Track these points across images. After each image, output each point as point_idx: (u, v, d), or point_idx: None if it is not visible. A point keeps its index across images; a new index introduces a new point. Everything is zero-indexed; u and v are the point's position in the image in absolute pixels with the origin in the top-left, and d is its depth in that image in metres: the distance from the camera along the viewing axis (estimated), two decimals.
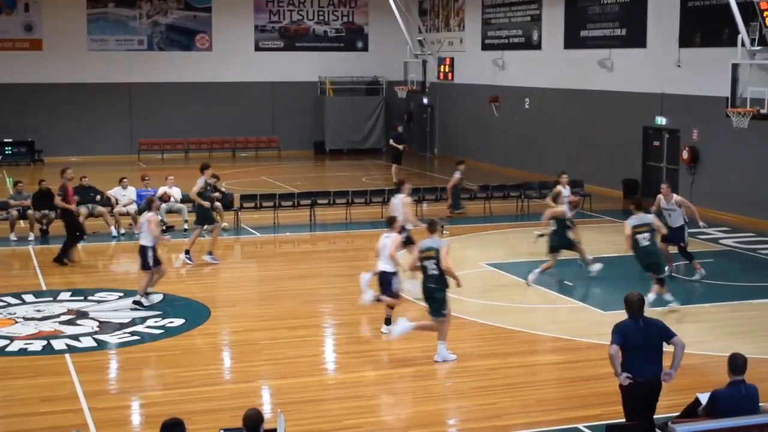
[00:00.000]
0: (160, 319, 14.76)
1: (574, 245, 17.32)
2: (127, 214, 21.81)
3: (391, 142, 31.27)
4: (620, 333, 8.92)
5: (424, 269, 12.54)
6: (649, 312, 9.47)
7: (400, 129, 31.91)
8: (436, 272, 12.42)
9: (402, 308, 14.34)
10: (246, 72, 38.90)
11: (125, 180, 22.41)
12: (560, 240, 17.04)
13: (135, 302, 15.38)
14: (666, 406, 9.84)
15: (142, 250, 15.57)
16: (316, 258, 20.13)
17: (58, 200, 19.15)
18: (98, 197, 21.83)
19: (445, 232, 21.18)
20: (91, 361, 12.78)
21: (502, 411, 10.97)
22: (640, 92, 26.62)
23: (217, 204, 22.29)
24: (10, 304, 15.59)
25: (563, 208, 17.20)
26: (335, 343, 14.12)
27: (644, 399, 8.95)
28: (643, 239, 15.00)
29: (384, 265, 13.76)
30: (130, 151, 37.27)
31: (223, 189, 23.49)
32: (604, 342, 9.09)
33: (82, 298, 16.05)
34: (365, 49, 40.67)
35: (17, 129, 35.81)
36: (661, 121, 26.02)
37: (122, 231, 21.64)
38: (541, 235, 18.13)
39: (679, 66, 25.05)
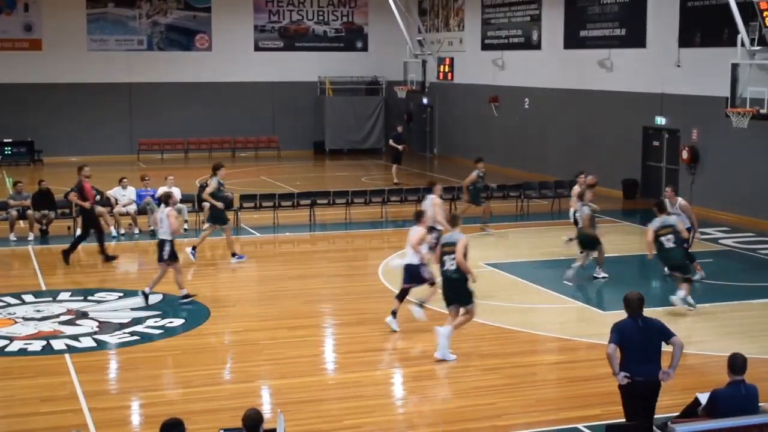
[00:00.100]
0: (159, 319, 14.76)
1: (599, 244, 17.34)
2: (127, 214, 21.81)
3: (391, 142, 31.27)
4: (618, 332, 8.93)
5: (443, 263, 12.80)
6: (653, 312, 9.46)
7: (399, 129, 31.92)
8: (453, 266, 12.63)
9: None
10: (246, 72, 38.90)
11: (125, 180, 22.41)
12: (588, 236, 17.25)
13: (144, 293, 15.58)
14: (666, 406, 9.84)
15: (161, 243, 15.68)
16: (315, 258, 20.13)
17: (72, 195, 19.13)
18: (98, 197, 21.79)
19: (491, 232, 21.31)
20: (90, 361, 12.78)
21: (502, 411, 10.97)
22: (640, 92, 26.63)
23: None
24: (9, 305, 15.58)
25: (587, 212, 17.39)
26: (335, 343, 14.12)
27: (643, 399, 8.95)
28: (667, 241, 15.10)
29: (410, 258, 13.99)
30: (129, 151, 37.27)
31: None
32: (604, 342, 9.08)
33: (81, 298, 16.05)
34: (365, 49, 40.67)
35: (17, 129, 35.81)
36: (660, 121, 26.03)
37: (122, 231, 21.63)
38: (571, 240, 18.27)
39: (678, 66, 25.05)
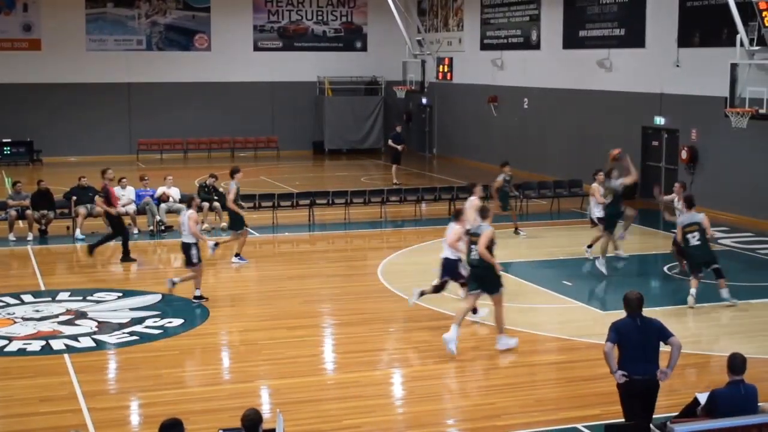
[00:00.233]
0: (158, 319, 14.75)
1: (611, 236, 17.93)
2: (126, 214, 21.76)
3: (390, 142, 31.28)
4: (616, 331, 8.96)
5: (469, 252, 13.21)
6: (653, 312, 9.46)
7: (398, 129, 31.91)
8: (477, 256, 12.99)
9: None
10: (245, 72, 38.90)
11: (124, 180, 22.38)
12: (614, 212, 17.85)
13: (196, 297, 15.72)
14: (665, 406, 9.85)
15: (186, 247, 15.72)
16: (314, 258, 20.13)
17: (99, 201, 19.13)
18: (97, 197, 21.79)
19: (522, 233, 21.24)
20: (90, 362, 12.77)
21: (501, 411, 10.97)
22: (639, 92, 26.63)
23: (216, 204, 22.32)
24: (8, 305, 15.57)
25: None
26: (334, 343, 14.12)
27: (642, 398, 8.96)
28: (693, 238, 15.35)
29: (447, 253, 14.23)
30: (129, 151, 37.26)
31: (221, 189, 23.45)
32: (604, 342, 9.09)
33: (80, 298, 16.04)
34: (364, 49, 40.67)
35: (16, 129, 35.80)
36: (659, 121, 26.03)
37: None
38: (590, 246, 18.71)
39: (677, 66, 25.06)
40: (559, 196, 25.32)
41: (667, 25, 25.39)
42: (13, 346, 13.35)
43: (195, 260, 15.74)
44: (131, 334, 14.00)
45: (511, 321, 14.50)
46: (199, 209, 16.47)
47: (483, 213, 13.59)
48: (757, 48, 21.74)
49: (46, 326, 14.31)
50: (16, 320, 14.66)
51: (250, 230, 22.27)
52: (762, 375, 11.59)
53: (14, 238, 20.89)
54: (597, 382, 11.56)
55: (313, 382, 12.06)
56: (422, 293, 14.66)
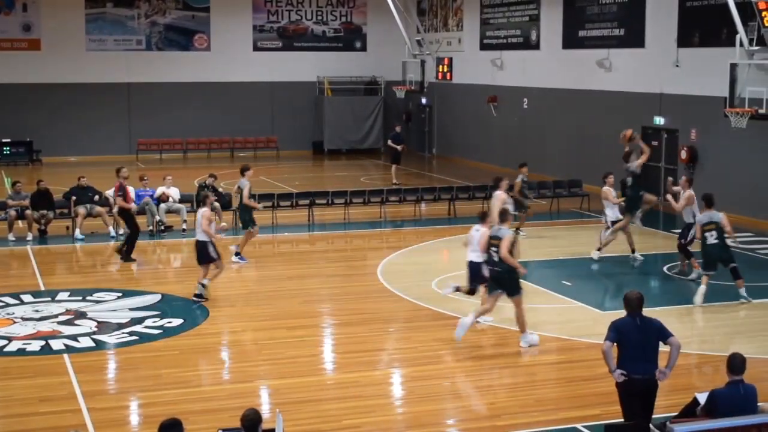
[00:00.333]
0: (158, 319, 14.75)
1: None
2: None
3: (390, 142, 31.28)
4: (615, 330, 8.99)
5: (489, 255, 13.31)
6: (653, 312, 9.45)
7: (398, 129, 31.91)
8: (496, 258, 13.11)
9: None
10: (244, 72, 38.89)
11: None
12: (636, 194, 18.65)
13: (196, 295, 15.77)
14: (664, 406, 9.86)
15: (201, 245, 15.76)
16: (314, 258, 20.12)
17: (120, 201, 19.15)
18: (96, 197, 21.81)
19: (522, 232, 21.04)
20: (89, 362, 12.77)
21: (501, 411, 10.98)
22: (639, 92, 26.63)
23: (216, 204, 22.28)
24: (8, 305, 15.57)
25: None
26: (334, 343, 14.12)
27: (641, 397, 8.97)
28: (711, 237, 15.51)
29: (473, 255, 14.18)
30: (128, 151, 37.25)
31: (220, 189, 23.47)
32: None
33: (80, 298, 16.03)
34: (364, 49, 40.66)
35: (15, 129, 35.78)
36: (659, 120, 26.03)
37: (121, 231, 21.57)
38: (600, 249, 18.78)
39: (677, 66, 25.06)
40: (558, 196, 25.32)
41: (667, 25, 25.39)
42: (13, 346, 13.35)
43: (214, 255, 15.82)
44: (131, 334, 14.00)
45: (511, 321, 14.50)
46: (212, 208, 16.52)
47: (502, 216, 13.63)
48: (756, 48, 21.74)
49: (45, 326, 14.30)
50: (15, 320, 14.66)
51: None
52: (762, 375, 11.59)
53: (14, 238, 20.88)
54: (597, 382, 11.56)
55: (313, 382, 12.05)
56: (457, 289, 14.60)
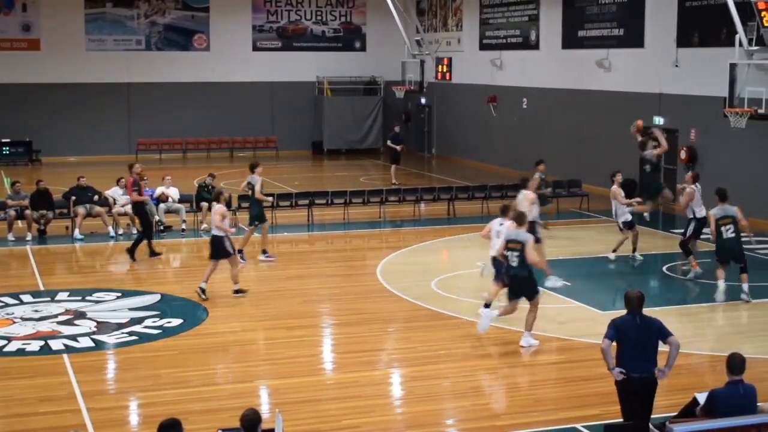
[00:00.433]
0: (158, 319, 14.75)
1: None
2: (125, 214, 21.77)
3: (389, 143, 31.28)
4: (615, 328, 9.00)
5: (506, 258, 13.26)
6: (652, 312, 9.45)
7: (397, 129, 31.90)
8: (515, 263, 13.08)
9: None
10: (244, 72, 38.88)
11: (123, 180, 22.35)
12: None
13: (236, 291, 16.00)
14: (664, 406, 9.86)
15: (218, 240, 15.82)
16: (314, 258, 20.13)
17: (135, 196, 19.22)
18: (96, 197, 21.81)
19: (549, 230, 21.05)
20: (89, 362, 12.77)
21: (500, 411, 10.98)
22: (638, 92, 26.63)
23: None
24: (7, 305, 15.57)
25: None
26: (333, 343, 14.12)
27: (640, 395, 8.97)
28: (727, 231, 15.63)
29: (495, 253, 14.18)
30: (128, 151, 37.22)
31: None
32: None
33: (79, 298, 16.03)
34: (363, 49, 40.66)
35: (15, 129, 35.77)
36: (658, 120, 26.02)
37: (120, 231, 21.61)
38: (615, 250, 18.77)
39: (676, 66, 25.06)
40: (558, 196, 25.31)
41: (666, 25, 25.39)
42: (12, 346, 13.35)
43: (230, 251, 15.90)
44: (130, 334, 14.00)
45: (511, 321, 14.51)
46: (228, 204, 16.60)
47: (519, 219, 13.51)
48: (755, 48, 21.73)
49: (45, 326, 14.30)
50: (15, 320, 14.65)
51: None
52: (762, 375, 11.59)
53: (13, 238, 20.88)
54: (596, 382, 11.57)
55: (313, 382, 12.06)
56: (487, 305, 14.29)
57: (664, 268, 18.28)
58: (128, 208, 21.79)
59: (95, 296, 16.13)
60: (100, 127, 37.01)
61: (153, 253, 19.07)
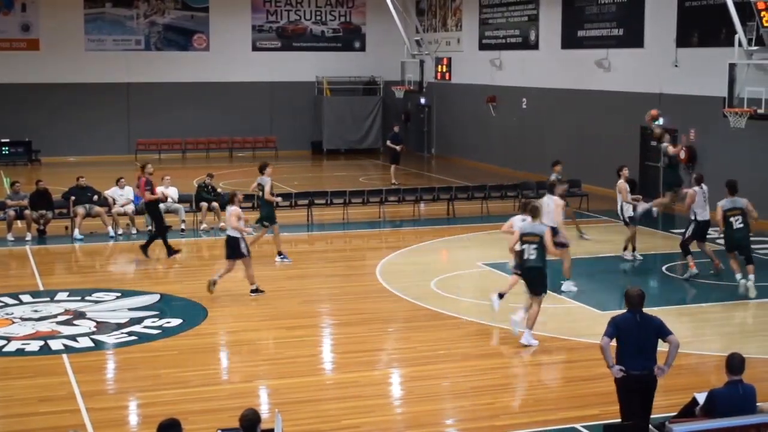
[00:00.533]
0: (157, 319, 14.75)
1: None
2: (125, 214, 21.78)
3: (389, 143, 31.27)
4: (614, 326, 9.02)
5: (522, 252, 13.24)
6: (651, 312, 9.45)
7: (396, 129, 31.89)
8: (533, 256, 13.10)
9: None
10: (243, 72, 38.87)
11: (122, 180, 22.37)
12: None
13: (253, 291, 16.15)
14: (663, 406, 9.86)
15: (233, 241, 15.93)
16: (313, 258, 20.12)
17: (148, 195, 19.27)
18: (95, 197, 21.80)
19: (586, 236, 20.71)
20: (88, 362, 12.77)
21: (500, 411, 10.98)
22: (638, 92, 26.62)
23: (214, 204, 22.29)
24: (7, 305, 15.56)
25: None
26: (333, 343, 14.12)
27: (639, 393, 8.98)
28: (736, 221, 15.89)
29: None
30: (127, 151, 37.24)
31: (219, 189, 23.45)
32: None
33: (79, 298, 16.03)
34: (362, 49, 40.65)
35: (14, 129, 35.76)
36: (658, 121, 25.99)
37: (120, 231, 21.60)
38: (632, 251, 18.76)
39: (676, 66, 25.06)
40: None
41: (666, 25, 25.39)
42: (12, 347, 13.35)
43: (245, 252, 15.99)
44: (130, 334, 14.00)
45: (510, 321, 14.51)
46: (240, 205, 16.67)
47: (534, 212, 13.58)
48: (755, 48, 21.73)
49: (44, 326, 14.30)
50: (14, 320, 14.65)
51: (249, 230, 22.26)
52: (762, 375, 11.60)
53: (13, 238, 20.87)
54: (596, 382, 11.57)
55: (312, 382, 12.06)
56: (501, 295, 14.48)
57: (663, 268, 18.28)
58: (127, 208, 21.83)
59: (95, 296, 16.13)
60: (100, 127, 37.00)
61: (171, 252, 19.05)
